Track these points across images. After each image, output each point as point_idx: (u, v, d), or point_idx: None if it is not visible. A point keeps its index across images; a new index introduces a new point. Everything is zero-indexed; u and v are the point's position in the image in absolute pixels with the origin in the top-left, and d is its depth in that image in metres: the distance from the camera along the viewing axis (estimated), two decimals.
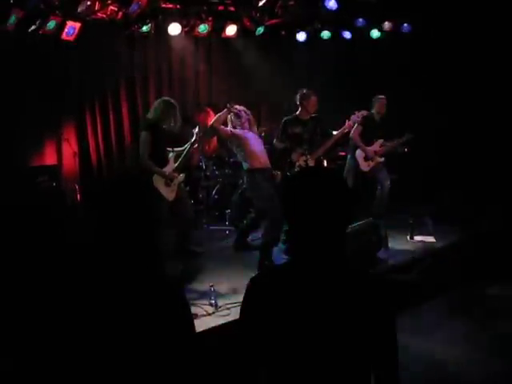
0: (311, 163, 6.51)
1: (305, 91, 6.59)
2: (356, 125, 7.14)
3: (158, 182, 5.87)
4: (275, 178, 6.24)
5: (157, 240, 2.05)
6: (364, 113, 6.94)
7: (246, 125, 6.17)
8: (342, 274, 1.77)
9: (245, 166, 6.15)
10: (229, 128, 6.11)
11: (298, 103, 6.62)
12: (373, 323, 1.72)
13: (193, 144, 6.24)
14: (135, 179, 2.03)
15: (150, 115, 6.01)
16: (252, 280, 1.85)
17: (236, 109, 6.07)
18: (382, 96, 7.56)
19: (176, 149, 6.20)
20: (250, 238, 6.81)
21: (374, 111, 7.53)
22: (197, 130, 6.26)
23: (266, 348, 1.76)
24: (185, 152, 6.20)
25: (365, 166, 7.54)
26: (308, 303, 1.72)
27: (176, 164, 6.12)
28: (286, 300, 1.74)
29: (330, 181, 1.76)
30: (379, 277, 1.89)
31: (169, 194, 5.96)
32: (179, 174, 6.12)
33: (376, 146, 7.57)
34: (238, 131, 6.11)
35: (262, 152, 6.20)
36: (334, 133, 6.65)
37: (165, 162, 6.01)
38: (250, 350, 1.80)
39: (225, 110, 6.04)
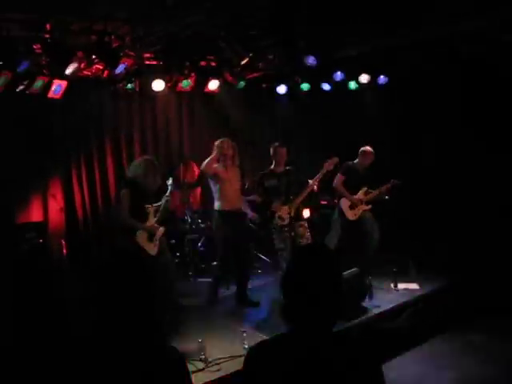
0: (292, 213, 6.65)
1: (276, 144, 6.79)
2: (338, 174, 7.29)
3: (141, 239, 5.85)
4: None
5: (154, 312, 2.12)
6: (335, 160, 6.86)
7: (229, 162, 6.43)
8: (334, 343, 1.88)
9: (216, 205, 6.46)
10: (213, 165, 6.36)
11: (271, 157, 6.81)
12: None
13: (168, 196, 6.23)
14: (127, 256, 2.12)
15: (129, 173, 6.04)
16: (250, 352, 1.94)
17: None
18: (368, 148, 7.57)
19: (154, 204, 6.17)
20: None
21: (357, 161, 7.59)
22: (170, 181, 6.34)
23: None
24: (162, 205, 6.15)
25: (351, 215, 7.56)
26: (305, 374, 1.81)
27: (155, 218, 6.09)
28: (284, 372, 1.82)
29: (327, 259, 1.91)
30: (366, 341, 1.98)
31: (152, 249, 5.94)
32: (159, 227, 6.12)
33: (361, 193, 7.60)
34: (220, 171, 6.38)
35: (236, 193, 6.52)
36: (310, 181, 6.82)
37: (145, 217, 5.98)
38: None
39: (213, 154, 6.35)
